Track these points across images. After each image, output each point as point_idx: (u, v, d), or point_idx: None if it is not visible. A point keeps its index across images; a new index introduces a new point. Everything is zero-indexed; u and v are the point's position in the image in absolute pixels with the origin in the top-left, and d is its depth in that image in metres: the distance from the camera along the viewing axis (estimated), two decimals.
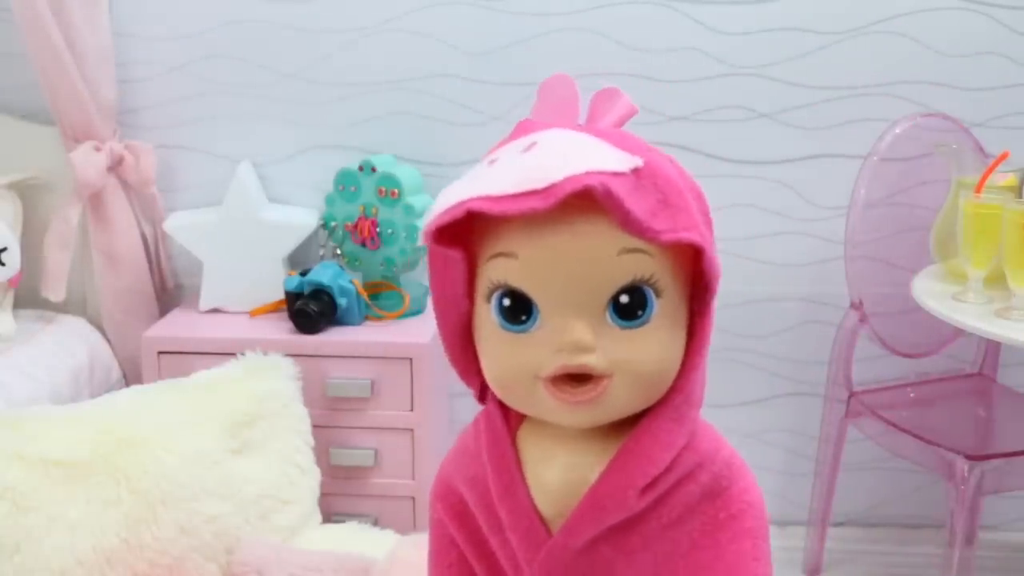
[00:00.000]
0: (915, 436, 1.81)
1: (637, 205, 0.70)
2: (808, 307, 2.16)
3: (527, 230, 0.71)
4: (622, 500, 0.77)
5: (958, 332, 1.96)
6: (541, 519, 0.80)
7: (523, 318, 0.74)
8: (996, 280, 1.68)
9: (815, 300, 2.15)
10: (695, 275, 0.77)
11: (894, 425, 1.86)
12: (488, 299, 0.74)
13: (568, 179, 0.69)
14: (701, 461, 0.80)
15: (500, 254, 0.73)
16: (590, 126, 0.79)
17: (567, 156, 0.71)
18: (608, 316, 0.73)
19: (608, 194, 0.69)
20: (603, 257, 0.72)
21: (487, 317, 0.75)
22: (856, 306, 1.94)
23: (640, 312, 0.73)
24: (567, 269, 0.72)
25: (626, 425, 0.78)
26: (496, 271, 0.73)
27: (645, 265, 0.73)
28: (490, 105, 2.05)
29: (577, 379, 0.73)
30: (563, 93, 0.83)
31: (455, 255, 0.75)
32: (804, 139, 2.07)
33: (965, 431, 1.96)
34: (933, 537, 2.15)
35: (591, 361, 0.73)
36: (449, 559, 0.87)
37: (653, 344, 0.74)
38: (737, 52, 2.04)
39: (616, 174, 0.70)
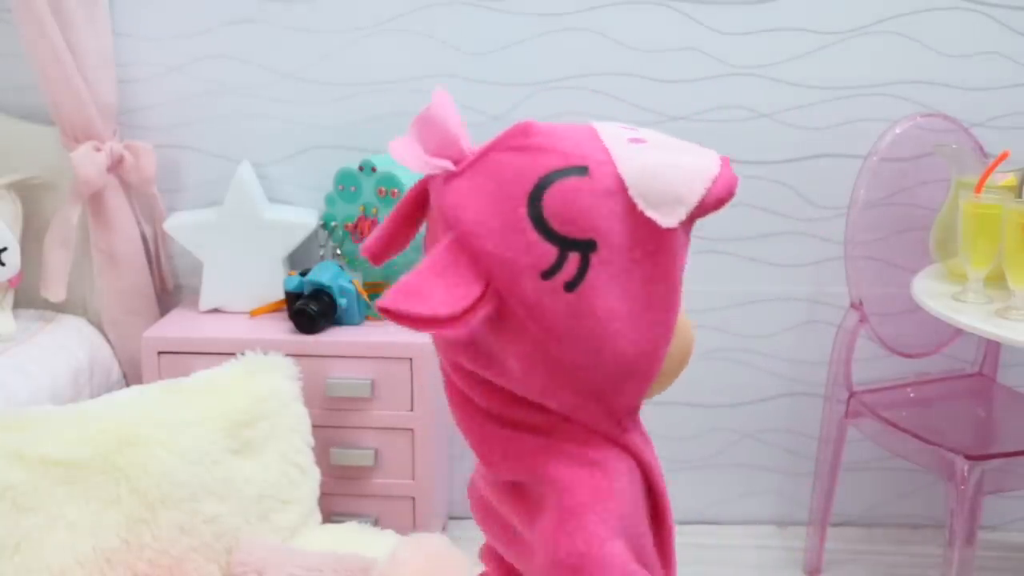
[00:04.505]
0: (915, 436, 1.81)
1: None
2: (808, 307, 2.16)
3: None
4: None
5: (958, 332, 1.96)
6: None
7: None
8: (996, 280, 1.68)
9: (815, 300, 2.15)
10: None
11: (894, 425, 1.86)
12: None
13: (723, 159, 0.78)
14: None
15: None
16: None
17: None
18: None
19: None
20: None
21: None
22: (856, 306, 1.94)
23: None
24: None
25: None
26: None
27: None
28: (490, 105, 2.05)
29: None
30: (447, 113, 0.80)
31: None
32: (804, 139, 2.07)
33: (965, 431, 1.96)
34: (933, 537, 2.15)
35: None
36: None
37: None
38: (737, 52, 2.04)
39: None
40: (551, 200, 0.72)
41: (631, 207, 0.73)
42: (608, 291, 0.73)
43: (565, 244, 0.72)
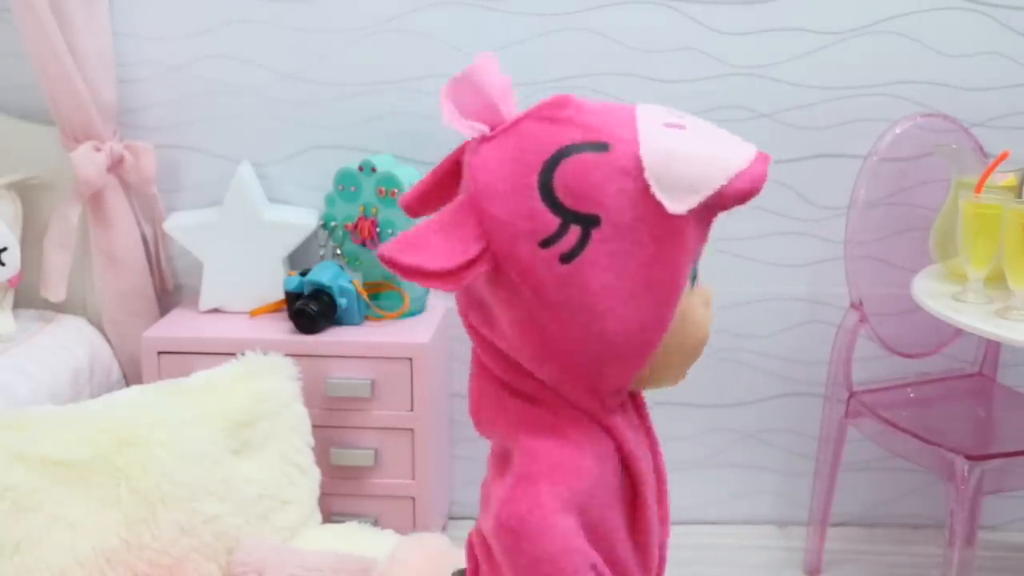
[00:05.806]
0: (915, 436, 1.81)
1: None
2: (808, 307, 2.16)
3: None
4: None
5: (958, 332, 1.96)
6: None
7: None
8: (996, 280, 1.68)
9: (815, 300, 2.15)
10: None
11: (894, 425, 1.86)
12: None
13: (760, 155, 0.78)
14: None
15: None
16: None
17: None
18: None
19: None
20: None
21: (688, 284, 0.79)
22: (856, 306, 1.94)
23: None
24: None
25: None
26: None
27: None
28: None
29: None
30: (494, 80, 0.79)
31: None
32: (804, 139, 2.07)
33: (965, 431, 1.96)
34: (933, 537, 2.15)
35: None
36: None
37: None
38: (737, 52, 2.04)
39: None
40: (563, 172, 0.73)
41: (644, 189, 0.73)
42: (605, 268, 0.73)
43: (568, 216, 0.73)
